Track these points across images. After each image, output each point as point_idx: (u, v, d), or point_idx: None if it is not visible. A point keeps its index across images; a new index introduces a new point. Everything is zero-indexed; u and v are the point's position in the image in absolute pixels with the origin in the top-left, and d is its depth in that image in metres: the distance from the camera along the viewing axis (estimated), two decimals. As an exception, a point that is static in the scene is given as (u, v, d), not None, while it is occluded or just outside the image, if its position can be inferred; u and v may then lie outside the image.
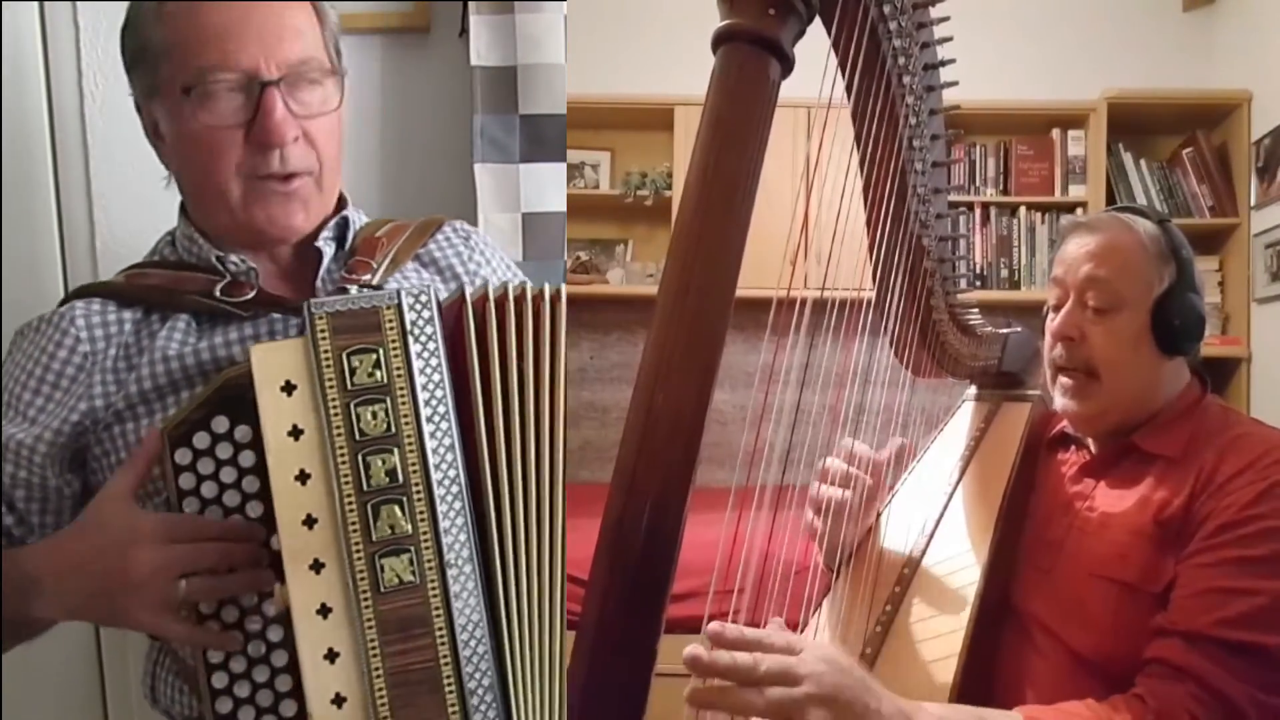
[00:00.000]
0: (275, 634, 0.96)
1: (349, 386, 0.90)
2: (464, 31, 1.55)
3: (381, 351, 0.90)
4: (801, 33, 0.77)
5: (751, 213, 0.73)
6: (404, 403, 0.91)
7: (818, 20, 0.80)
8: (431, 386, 0.92)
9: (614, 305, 3.28)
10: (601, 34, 3.17)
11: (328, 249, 1.17)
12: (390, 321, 0.91)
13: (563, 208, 1.59)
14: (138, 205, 1.52)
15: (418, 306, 0.92)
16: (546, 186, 1.58)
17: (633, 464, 0.69)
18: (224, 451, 0.95)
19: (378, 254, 1.16)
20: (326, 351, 0.90)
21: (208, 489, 0.95)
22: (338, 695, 0.89)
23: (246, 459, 0.95)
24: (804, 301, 0.93)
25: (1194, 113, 3.07)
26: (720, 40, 0.74)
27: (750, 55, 0.73)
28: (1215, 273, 3.04)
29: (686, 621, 0.92)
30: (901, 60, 0.96)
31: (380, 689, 0.89)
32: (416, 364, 0.92)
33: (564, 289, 0.98)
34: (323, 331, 0.90)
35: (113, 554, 0.94)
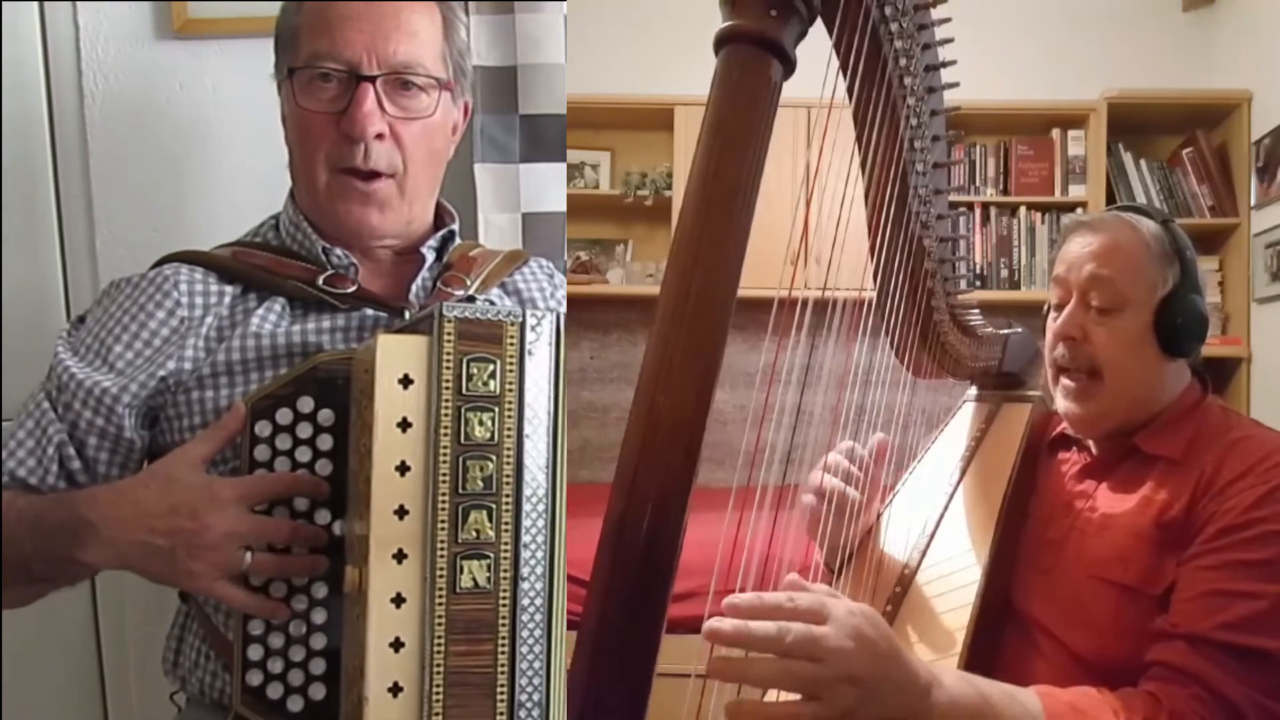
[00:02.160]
0: (319, 617, 0.99)
1: (463, 391, 0.92)
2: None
3: (499, 363, 0.93)
4: (803, 34, 0.77)
5: (753, 214, 0.73)
6: (510, 415, 0.93)
7: (819, 22, 0.80)
8: (537, 406, 0.94)
9: (614, 305, 3.29)
10: (601, 34, 3.16)
11: (430, 255, 1.21)
12: (512, 338, 0.94)
13: (563, 208, 1.59)
14: (138, 205, 1.52)
15: (539, 329, 0.95)
16: (546, 186, 1.58)
17: (634, 464, 0.69)
18: (304, 431, 0.99)
19: (472, 272, 1.21)
20: (449, 354, 0.92)
21: (280, 464, 0.98)
22: (395, 684, 0.91)
23: (324, 442, 0.99)
24: (805, 302, 0.93)
25: (1194, 113, 3.07)
26: (722, 41, 0.74)
27: (752, 56, 0.73)
28: (1215, 273, 3.04)
29: (686, 621, 0.92)
30: (903, 61, 0.96)
31: (438, 685, 0.90)
32: (528, 381, 0.94)
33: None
34: (448, 335, 0.92)
35: (185, 513, 0.95)
